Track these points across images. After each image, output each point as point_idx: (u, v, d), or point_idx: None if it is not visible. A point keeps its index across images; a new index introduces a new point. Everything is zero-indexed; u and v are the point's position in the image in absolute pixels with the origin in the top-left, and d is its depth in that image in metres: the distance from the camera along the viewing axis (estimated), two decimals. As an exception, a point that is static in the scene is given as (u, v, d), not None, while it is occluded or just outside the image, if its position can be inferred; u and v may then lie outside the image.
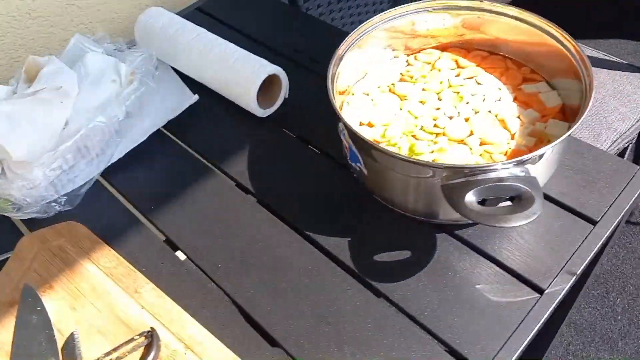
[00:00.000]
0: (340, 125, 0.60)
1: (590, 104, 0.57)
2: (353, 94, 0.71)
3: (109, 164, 0.73)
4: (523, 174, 0.52)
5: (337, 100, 0.66)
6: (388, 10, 0.68)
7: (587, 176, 0.65)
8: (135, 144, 0.76)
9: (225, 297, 0.60)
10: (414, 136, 0.64)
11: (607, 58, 1.14)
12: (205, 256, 0.63)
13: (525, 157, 0.52)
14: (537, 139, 0.61)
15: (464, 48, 0.73)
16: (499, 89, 0.67)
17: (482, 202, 0.52)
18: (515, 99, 0.66)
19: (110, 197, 0.71)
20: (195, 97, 0.79)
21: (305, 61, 0.85)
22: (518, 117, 0.64)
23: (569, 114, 0.63)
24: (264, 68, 0.74)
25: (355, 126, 0.67)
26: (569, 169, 0.66)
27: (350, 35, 0.66)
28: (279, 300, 0.58)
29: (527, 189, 0.50)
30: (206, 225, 0.66)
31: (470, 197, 0.50)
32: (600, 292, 1.39)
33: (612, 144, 1.00)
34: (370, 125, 0.67)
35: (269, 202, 0.68)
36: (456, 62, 0.72)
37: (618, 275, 1.41)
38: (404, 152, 0.62)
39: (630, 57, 1.87)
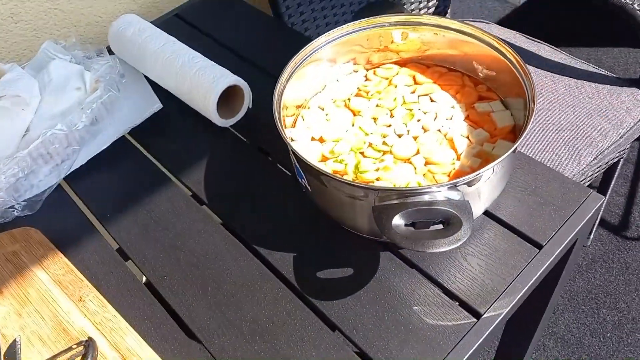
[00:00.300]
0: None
1: (530, 124, 0.56)
2: (309, 108, 0.71)
3: (71, 170, 0.75)
4: (456, 197, 0.52)
5: (290, 114, 0.67)
6: (338, 28, 0.68)
7: (539, 198, 0.64)
8: (99, 151, 0.77)
9: (167, 309, 0.60)
10: (362, 153, 0.64)
11: (596, 71, 1.12)
12: (154, 267, 0.64)
13: (457, 180, 0.51)
14: (483, 160, 0.61)
15: (424, 64, 0.73)
16: (452, 107, 0.67)
17: (413, 225, 0.52)
18: (467, 117, 0.66)
19: (70, 203, 0.73)
20: (159, 106, 0.80)
21: (278, 73, 0.85)
22: (467, 136, 0.64)
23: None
24: (224, 78, 0.74)
25: (306, 141, 0.67)
26: (521, 190, 0.65)
27: (300, 52, 0.66)
28: (219, 314, 0.59)
29: (456, 213, 0.50)
30: (158, 236, 0.67)
31: (398, 221, 0.50)
32: (590, 308, 1.36)
33: (593, 160, 0.99)
34: (321, 140, 0.67)
35: (221, 214, 0.68)
36: (413, 78, 0.72)
37: (610, 291, 1.38)
38: (349, 170, 0.62)
39: (620, 70, 1.82)
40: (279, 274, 0.61)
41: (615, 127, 1.02)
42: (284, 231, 0.65)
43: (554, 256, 0.59)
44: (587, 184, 1.03)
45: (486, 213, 0.63)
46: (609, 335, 1.31)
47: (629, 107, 1.04)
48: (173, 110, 0.81)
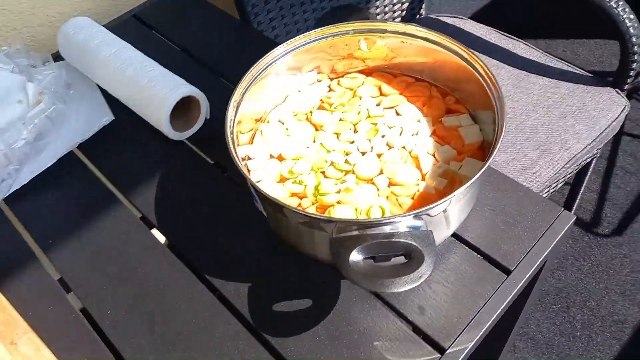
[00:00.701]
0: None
1: (500, 142, 0.52)
2: (268, 122, 0.66)
3: (12, 191, 0.69)
4: (419, 226, 0.48)
5: (246, 130, 0.62)
6: (299, 36, 0.64)
7: (508, 217, 0.60)
8: (44, 169, 0.71)
9: (111, 349, 0.56)
10: (323, 173, 0.60)
11: (571, 70, 1.09)
12: (97, 300, 0.59)
13: (419, 211, 0.47)
14: (449, 180, 0.57)
15: (391, 73, 0.69)
16: (418, 120, 0.63)
17: (374, 258, 0.48)
18: (433, 132, 0.62)
19: (9, 228, 0.67)
20: (109, 118, 0.75)
21: (239, 77, 0.80)
22: (433, 154, 0.60)
23: (488, 151, 0.58)
24: (178, 89, 0.69)
25: (264, 159, 0.62)
26: (490, 208, 0.62)
27: (257, 63, 0.62)
28: (166, 354, 0.55)
29: (418, 247, 0.46)
30: (103, 265, 0.62)
31: (356, 256, 0.46)
32: (561, 307, 1.35)
33: (566, 164, 0.96)
34: (280, 158, 0.62)
35: (172, 239, 0.64)
36: (379, 88, 0.68)
37: (581, 289, 1.37)
38: (309, 191, 0.58)
39: (596, 62, 1.80)
40: (233, 307, 0.57)
41: (589, 129, 0.99)
42: (239, 258, 0.61)
43: (522, 282, 0.56)
44: (560, 185, 1.01)
45: (453, 234, 0.60)
46: (578, 334, 1.31)
47: (603, 108, 1.01)
48: (126, 123, 0.76)
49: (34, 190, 0.70)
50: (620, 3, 0.95)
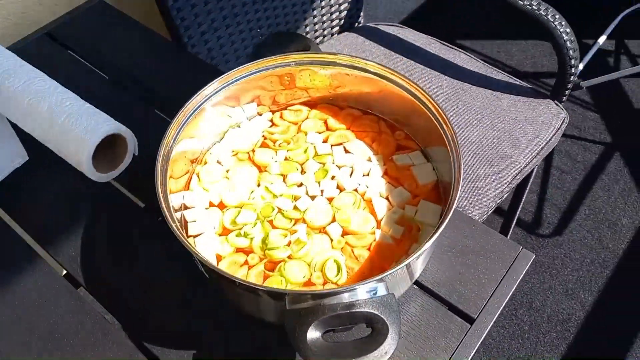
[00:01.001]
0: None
1: (461, 184, 0.49)
2: (205, 163, 0.60)
3: None
4: (380, 293, 0.44)
5: (181, 174, 0.56)
6: (232, 71, 0.58)
7: (466, 259, 0.58)
8: (-56, 222, 0.62)
9: None
10: (270, 222, 0.55)
11: (512, 81, 1.08)
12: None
13: (380, 276, 0.43)
14: (406, 227, 0.53)
15: (337, 105, 0.64)
16: (369, 159, 0.59)
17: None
18: (385, 172, 0.58)
19: None
20: (23, 159, 0.66)
21: (172, 106, 0.73)
22: (387, 197, 0.56)
23: (445, 192, 0.55)
24: (99, 128, 0.61)
25: (203, 208, 0.56)
26: (448, 250, 0.59)
27: (189, 102, 0.56)
28: None
29: (381, 316, 0.42)
30: (24, 338, 0.54)
31: (313, 334, 0.41)
32: (509, 310, 1.37)
33: (512, 179, 0.95)
34: (221, 206, 0.57)
35: (103, 302, 0.57)
36: (325, 122, 0.63)
37: (526, 291, 1.40)
38: (256, 244, 0.53)
39: (529, 63, 1.84)
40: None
41: (532, 142, 0.99)
42: (180, 324, 0.55)
43: (487, 330, 0.53)
44: (504, 196, 1.01)
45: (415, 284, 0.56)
46: (526, 336, 1.33)
47: (545, 121, 1.02)
48: (42, 162, 0.67)
49: None
50: (557, 17, 0.95)
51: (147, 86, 0.76)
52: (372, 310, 0.42)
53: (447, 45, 1.15)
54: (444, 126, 0.53)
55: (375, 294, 0.43)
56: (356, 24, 1.23)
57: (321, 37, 1.18)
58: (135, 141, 0.66)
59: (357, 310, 0.42)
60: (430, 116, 0.55)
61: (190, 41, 0.91)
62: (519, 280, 0.56)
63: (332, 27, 1.19)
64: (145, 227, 0.62)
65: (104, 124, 0.62)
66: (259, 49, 0.60)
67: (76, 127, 0.62)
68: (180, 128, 0.55)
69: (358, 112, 0.63)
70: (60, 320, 0.55)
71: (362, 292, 0.43)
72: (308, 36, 1.10)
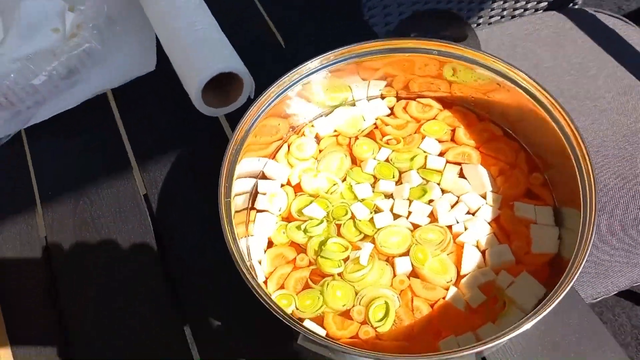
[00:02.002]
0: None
1: (583, 263, 0.36)
2: (303, 135, 0.54)
3: (29, 125, 0.64)
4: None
5: (276, 138, 0.50)
6: (360, 44, 0.48)
7: (559, 355, 0.45)
8: (67, 108, 0.65)
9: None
10: (338, 226, 0.47)
11: None
12: (70, 276, 0.53)
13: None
14: (489, 298, 0.42)
15: (477, 113, 0.52)
16: (484, 195, 0.47)
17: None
18: (496, 219, 0.46)
19: (21, 162, 0.63)
20: (150, 69, 0.66)
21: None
22: (484, 251, 0.44)
23: (559, 271, 0.42)
24: (216, 64, 0.58)
25: (280, 183, 0.51)
26: (539, 334, 0.46)
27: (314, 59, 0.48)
28: None
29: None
30: (85, 235, 0.56)
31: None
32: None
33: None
34: (297, 189, 0.50)
35: (162, 232, 0.56)
36: (453, 131, 0.51)
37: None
38: (311, 246, 0.46)
39: None
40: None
41: None
42: (220, 292, 0.51)
43: None
44: None
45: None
46: None
47: None
48: (166, 76, 0.66)
49: (54, 127, 0.64)
50: None
51: (296, 31, 0.70)
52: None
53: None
54: (586, 183, 0.40)
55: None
56: (571, 4, 1.01)
57: (521, 10, 0.99)
58: (252, 83, 0.62)
59: (369, 384, 0.34)
60: (575, 166, 0.41)
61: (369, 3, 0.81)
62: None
63: (539, 1, 0.99)
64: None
65: (223, 61, 0.59)
66: (404, 25, 0.50)
67: (197, 55, 0.59)
68: (290, 86, 0.49)
69: (499, 130, 0.51)
70: (123, 240, 0.55)
71: (386, 364, 0.35)
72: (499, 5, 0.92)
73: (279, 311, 0.38)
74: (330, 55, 0.50)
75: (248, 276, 0.39)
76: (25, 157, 0.64)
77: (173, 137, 0.62)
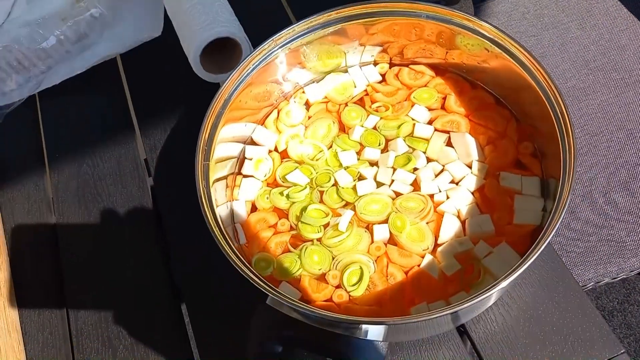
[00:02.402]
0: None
1: (553, 232, 0.36)
2: (294, 100, 0.54)
3: (41, 89, 0.66)
4: (372, 334, 0.35)
5: (266, 104, 0.51)
6: (357, 5, 0.48)
7: (540, 329, 0.44)
8: (77, 72, 0.67)
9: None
10: (321, 193, 0.47)
11: None
12: (73, 231, 0.56)
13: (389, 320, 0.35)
14: (465, 267, 0.42)
15: (469, 80, 0.51)
16: (470, 164, 0.46)
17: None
18: (481, 189, 0.45)
19: (34, 124, 0.65)
20: (157, 33, 0.66)
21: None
22: (464, 220, 0.44)
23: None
24: (213, 28, 0.58)
25: (267, 149, 0.51)
26: (522, 306, 0.45)
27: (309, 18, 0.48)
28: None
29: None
30: (87, 196, 0.58)
31: (277, 346, 0.36)
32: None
33: None
34: (283, 155, 0.51)
35: (157, 198, 0.57)
36: (443, 99, 0.50)
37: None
38: (292, 212, 0.47)
39: None
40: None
41: None
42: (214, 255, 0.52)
43: None
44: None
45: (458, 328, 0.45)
46: None
47: None
48: (171, 41, 0.67)
49: (65, 91, 0.66)
50: None
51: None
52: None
53: None
54: (565, 137, 0.38)
55: (361, 334, 0.35)
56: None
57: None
58: (250, 48, 0.62)
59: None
60: (556, 127, 0.40)
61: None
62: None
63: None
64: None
65: (221, 25, 0.59)
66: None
67: (196, 19, 0.60)
68: (290, 40, 0.49)
69: (490, 98, 0.49)
70: (117, 200, 0.57)
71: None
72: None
73: (250, 273, 0.38)
74: (319, 19, 0.49)
75: (220, 238, 0.39)
76: (37, 120, 0.66)
77: (174, 103, 0.63)
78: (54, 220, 0.58)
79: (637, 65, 0.77)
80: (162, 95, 0.65)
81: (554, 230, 0.36)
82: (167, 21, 0.65)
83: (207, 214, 0.40)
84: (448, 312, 0.35)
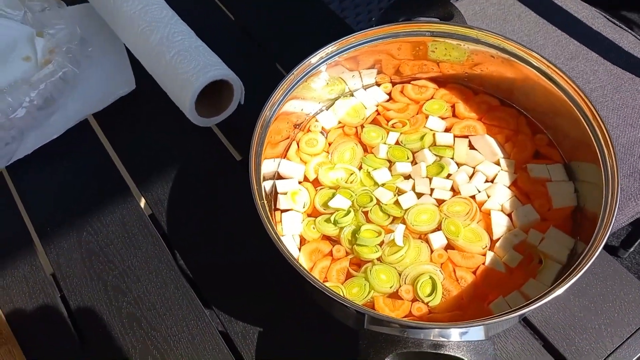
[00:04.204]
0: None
1: (614, 215, 0.39)
2: (309, 131, 0.54)
3: (13, 160, 0.61)
4: (473, 335, 0.36)
5: (280, 139, 0.50)
6: (354, 35, 0.50)
7: (589, 303, 0.48)
8: (51, 139, 0.62)
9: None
10: (365, 213, 0.48)
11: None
12: (88, 311, 0.52)
13: (480, 322, 0.36)
14: (525, 256, 0.44)
15: (471, 87, 0.54)
16: (497, 162, 0.49)
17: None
18: (514, 183, 0.48)
19: (8, 202, 0.60)
20: (130, 88, 0.64)
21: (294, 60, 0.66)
22: (510, 214, 0.47)
23: (585, 223, 0.45)
24: (207, 72, 0.57)
25: (297, 180, 0.51)
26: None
27: (300, 65, 0.49)
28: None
29: (472, 367, 0.35)
30: (100, 269, 0.54)
31: (388, 365, 0.36)
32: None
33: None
34: (316, 184, 0.51)
35: (181, 253, 0.55)
36: (453, 107, 0.54)
37: None
38: (344, 236, 0.47)
39: None
40: (237, 353, 0.48)
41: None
42: (254, 296, 0.51)
43: (598, 397, 0.44)
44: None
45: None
46: None
47: None
48: (148, 93, 0.65)
49: (37, 162, 0.61)
50: None
51: (268, 35, 0.70)
52: (462, 357, 0.35)
53: (614, 23, 0.97)
54: (599, 137, 0.43)
55: (469, 335, 0.36)
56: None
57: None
58: (242, 89, 0.61)
59: (445, 352, 0.36)
60: (582, 119, 0.44)
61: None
62: (649, 347, 0.46)
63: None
64: (237, 184, 0.58)
65: (212, 68, 0.58)
66: (390, 11, 0.51)
67: (184, 67, 0.58)
68: (292, 87, 0.49)
69: (495, 101, 0.53)
70: (136, 261, 0.54)
71: (455, 332, 0.36)
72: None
73: (344, 300, 0.38)
74: (328, 49, 0.50)
75: (304, 274, 0.39)
76: (11, 196, 0.60)
77: (167, 153, 0.61)
78: (59, 296, 0.53)
79: (557, 60, 0.87)
80: (150, 146, 0.62)
81: (612, 223, 0.39)
82: (136, 71, 0.64)
83: (286, 254, 0.40)
84: (530, 307, 0.37)
